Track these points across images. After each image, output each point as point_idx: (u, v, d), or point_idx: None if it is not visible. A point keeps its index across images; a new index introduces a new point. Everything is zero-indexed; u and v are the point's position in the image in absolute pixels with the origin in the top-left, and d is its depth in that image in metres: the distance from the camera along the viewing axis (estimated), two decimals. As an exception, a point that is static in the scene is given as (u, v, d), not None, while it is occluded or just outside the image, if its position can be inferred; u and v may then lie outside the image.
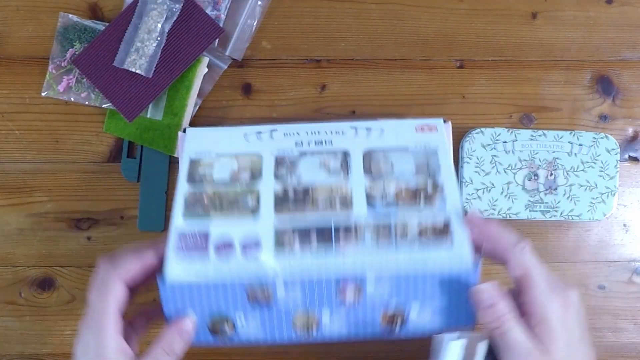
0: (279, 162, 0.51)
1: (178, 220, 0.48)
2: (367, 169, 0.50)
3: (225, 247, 0.46)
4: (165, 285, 0.45)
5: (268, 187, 0.49)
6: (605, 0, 0.61)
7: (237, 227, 0.47)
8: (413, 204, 0.48)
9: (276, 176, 0.50)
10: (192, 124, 0.58)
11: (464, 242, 0.46)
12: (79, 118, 0.59)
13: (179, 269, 0.45)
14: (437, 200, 0.48)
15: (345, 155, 0.51)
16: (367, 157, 0.51)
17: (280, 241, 0.46)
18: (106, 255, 0.45)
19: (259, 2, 0.59)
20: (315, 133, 0.52)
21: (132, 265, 0.44)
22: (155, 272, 0.45)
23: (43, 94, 0.58)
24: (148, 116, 0.58)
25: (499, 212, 0.57)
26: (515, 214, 0.57)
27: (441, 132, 0.52)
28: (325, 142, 0.52)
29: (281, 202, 0.48)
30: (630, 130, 0.61)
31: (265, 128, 0.53)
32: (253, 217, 0.48)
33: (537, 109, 0.60)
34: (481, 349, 0.42)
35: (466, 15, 0.60)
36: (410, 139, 0.51)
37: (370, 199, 0.48)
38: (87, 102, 0.58)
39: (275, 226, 0.47)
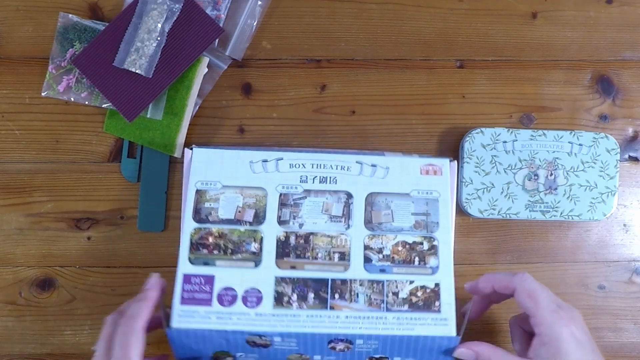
0: (282, 200, 0.51)
1: (185, 266, 0.50)
2: (368, 219, 0.51)
3: (227, 296, 0.49)
4: (172, 331, 0.48)
5: (271, 233, 0.51)
6: (605, 0, 0.61)
7: (239, 276, 0.50)
8: (408, 262, 0.51)
9: (279, 221, 0.51)
10: (192, 124, 0.58)
11: (451, 305, 0.49)
12: (79, 118, 0.59)
13: (184, 316, 0.48)
14: (431, 259, 0.51)
15: (349, 197, 0.52)
16: (369, 202, 0.52)
17: (279, 298, 0.49)
18: (115, 312, 0.47)
19: (259, 2, 0.59)
20: (320, 167, 0.52)
21: (145, 313, 0.46)
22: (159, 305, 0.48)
23: (43, 94, 0.58)
24: (148, 116, 0.58)
25: (499, 212, 0.57)
26: (515, 214, 0.57)
27: (445, 176, 0.53)
28: (330, 179, 0.52)
29: (282, 248, 0.50)
30: (630, 130, 0.61)
31: (271, 155, 0.53)
32: (255, 266, 0.50)
33: (537, 109, 0.60)
34: None
35: (466, 15, 0.60)
36: (413, 182, 0.52)
37: (367, 251, 0.51)
38: (87, 102, 0.58)
39: (275, 279, 0.49)
